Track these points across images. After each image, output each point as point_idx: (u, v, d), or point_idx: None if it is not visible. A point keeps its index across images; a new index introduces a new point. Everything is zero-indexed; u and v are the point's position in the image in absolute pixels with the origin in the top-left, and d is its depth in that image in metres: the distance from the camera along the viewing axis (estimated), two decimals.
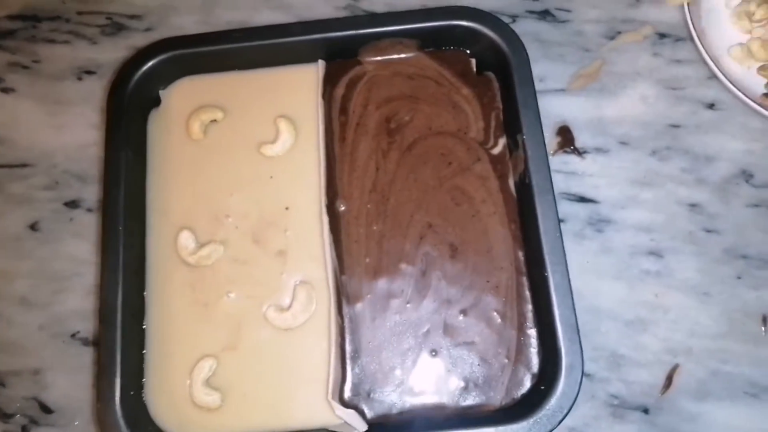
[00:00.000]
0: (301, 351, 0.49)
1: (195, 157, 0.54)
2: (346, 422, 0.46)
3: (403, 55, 0.56)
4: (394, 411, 0.47)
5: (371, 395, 0.48)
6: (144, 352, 0.49)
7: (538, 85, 0.52)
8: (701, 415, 0.49)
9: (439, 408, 0.47)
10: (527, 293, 0.49)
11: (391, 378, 0.48)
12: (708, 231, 0.53)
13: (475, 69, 0.56)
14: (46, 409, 0.51)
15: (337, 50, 0.56)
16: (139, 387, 0.48)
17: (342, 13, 0.61)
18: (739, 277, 0.52)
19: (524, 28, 0.58)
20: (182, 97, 0.56)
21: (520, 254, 0.50)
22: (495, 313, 0.49)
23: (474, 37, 0.54)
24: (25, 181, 0.58)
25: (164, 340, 0.49)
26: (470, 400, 0.47)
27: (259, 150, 0.54)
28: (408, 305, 0.50)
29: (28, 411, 0.51)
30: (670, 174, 0.55)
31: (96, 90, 0.60)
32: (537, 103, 0.51)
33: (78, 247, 0.55)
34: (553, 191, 0.49)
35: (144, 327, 0.50)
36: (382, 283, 0.50)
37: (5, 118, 0.60)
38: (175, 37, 0.55)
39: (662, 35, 0.59)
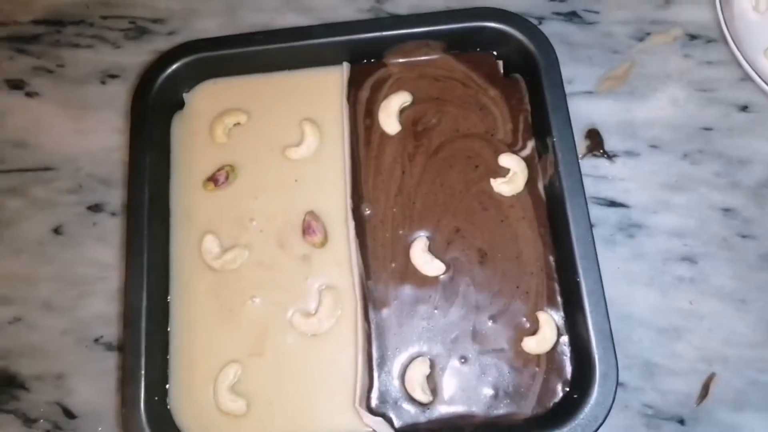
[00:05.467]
0: (327, 357, 0.48)
1: (219, 160, 0.54)
2: (374, 430, 0.45)
3: (428, 57, 0.55)
4: (422, 419, 0.46)
5: (399, 403, 0.47)
6: (168, 357, 0.49)
7: (566, 88, 0.51)
8: (739, 426, 0.48)
9: (468, 417, 0.46)
10: (558, 299, 0.48)
11: None
12: (743, 236, 0.52)
13: (502, 71, 0.55)
14: (69, 415, 0.51)
15: (362, 53, 0.55)
16: (164, 393, 0.48)
17: (366, 16, 0.61)
18: None
19: (551, 30, 0.57)
20: (206, 100, 0.56)
21: (551, 259, 0.49)
22: (525, 320, 0.48)
23: (501, 39, 0.53)
24: (48, 185, 0.57)
25: (188, 346, 0.49)
26: (500, 409, 0.46)
27: (283, 153, 0.53)
28: (436, 311, 0.49)
29: (52, 416, 0.51)
30: (702, 178, 0.54)
31: (120, 94, 0.59)
32: (567, 106, 0.50)
33: (101, 251, 0.55)
34: (584, 194, 0.47)
35: (168, 332, 0.49)
36: (408, 289, 0.49)
37: (29, 122, 0.60)
38: (198, 40, 0.55)
39: (693, 36, 0.58)
